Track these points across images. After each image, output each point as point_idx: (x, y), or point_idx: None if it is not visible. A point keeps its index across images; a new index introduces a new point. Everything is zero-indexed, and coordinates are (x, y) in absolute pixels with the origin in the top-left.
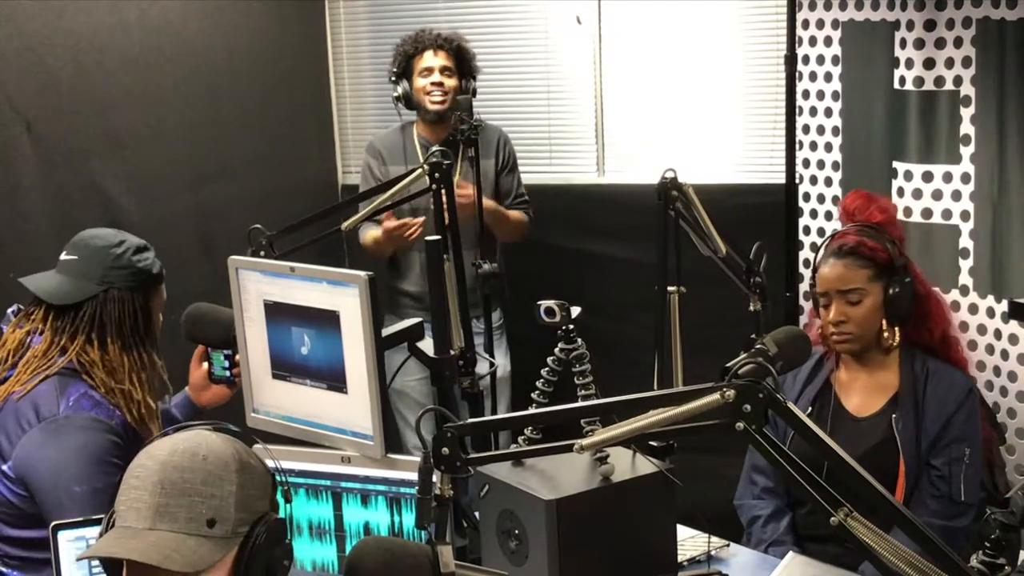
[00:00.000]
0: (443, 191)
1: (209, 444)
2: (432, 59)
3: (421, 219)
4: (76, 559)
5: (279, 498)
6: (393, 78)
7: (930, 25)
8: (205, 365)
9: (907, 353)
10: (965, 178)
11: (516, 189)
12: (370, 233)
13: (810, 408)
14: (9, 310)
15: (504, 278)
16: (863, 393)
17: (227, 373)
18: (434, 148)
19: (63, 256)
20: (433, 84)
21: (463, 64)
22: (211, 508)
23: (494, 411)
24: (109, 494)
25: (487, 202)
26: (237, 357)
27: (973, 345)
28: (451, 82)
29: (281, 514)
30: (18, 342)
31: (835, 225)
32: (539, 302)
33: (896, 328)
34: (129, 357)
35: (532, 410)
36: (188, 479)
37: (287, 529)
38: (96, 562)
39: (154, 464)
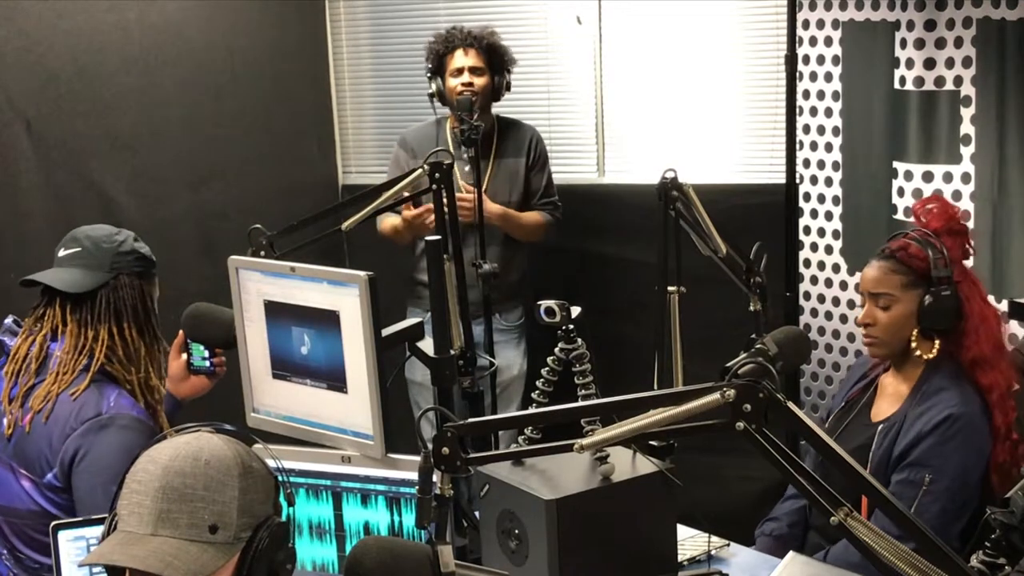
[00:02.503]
0: (443, 191)
1: (211, 448)
2: (462, 59)
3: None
4: (78, 565)
5: (282, 500)
6: (428, 75)
7: (930, 25)
8: (184, 356)
9: (933, 365)
10: (965, 178)
11: (545, 189)
12: (388, 221)
13: (843, 403)
14: (7, 321)
15: (528, 279)
16: (890, 398)
17: (207, 364)
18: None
19: (62, 252)
20: (463, 85)
21: (495, 60)
22: (213, 514)
23: (494, 410)
24: None
25: (494, 207)
26: (217, 348)
27: None
28: (481, 81)
29: (283, 516)
30: (39, 347)
31: (835, 225)
32: (539, 302)
33: (935, 339)
34: (145, 342)
35: (532, 410)
36: (190, 484)
37: (290, 532)
38: None
39: (156, 469)
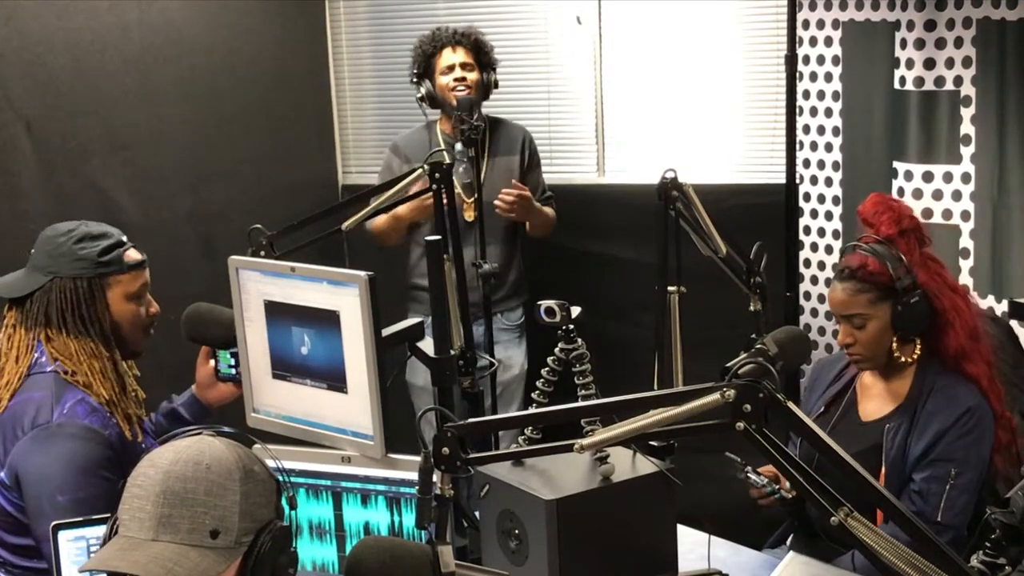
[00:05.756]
0: (443, 191)
1: (212, 452)
2: (452, 56)
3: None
4: (79, 571)
5: (284, 503)
6: (414, 79)
7: (930, 25)
8: (212, 363)
9: (924, 364)
10: (965, 178)
11: (542, 186)
12: (381, 217)
13: (823, 407)
14: None
15: (526, 277)
16: (878, 398)
17: (233, 371)
18: (458, 147)
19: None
20: (456, 80)
21: (482, 57)
22: (214, 519)
23: (494, 410)
24: (93, 505)
25: (525, 194)
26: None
27: None
28: (473, 76)
29: (285, 519)
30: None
31: (835, 225)
32: (539, 302)
33: (916, 343)
34: (78, 343)
35: (532, 410)
36: (191, 489)
37: (292, 536)
38: None
39: (156, 473)
